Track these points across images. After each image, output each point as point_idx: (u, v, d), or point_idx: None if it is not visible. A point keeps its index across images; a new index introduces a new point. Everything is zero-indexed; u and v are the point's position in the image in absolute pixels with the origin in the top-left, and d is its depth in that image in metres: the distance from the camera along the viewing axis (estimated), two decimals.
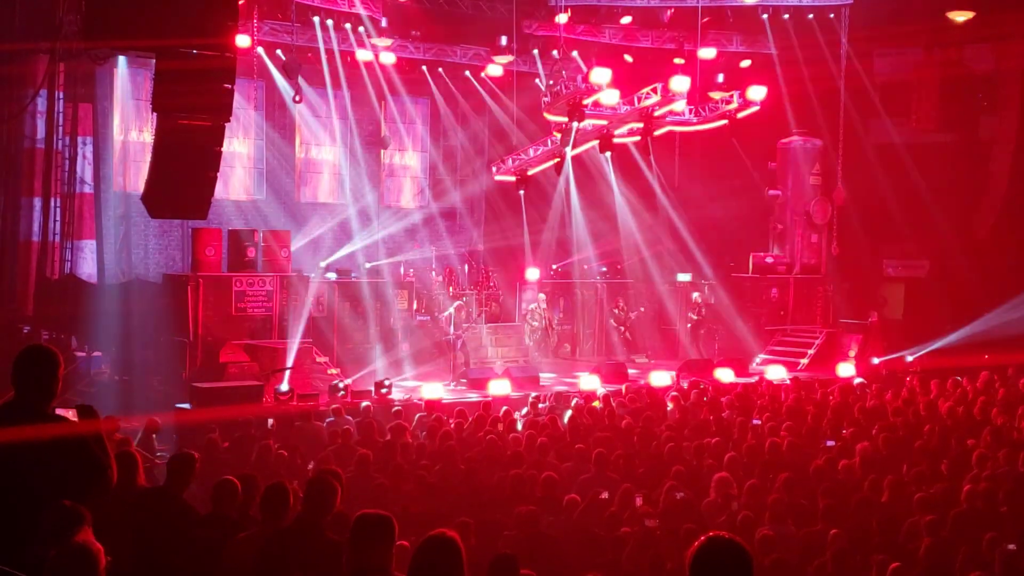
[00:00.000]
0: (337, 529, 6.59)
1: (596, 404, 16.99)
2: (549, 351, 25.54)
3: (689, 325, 26.36)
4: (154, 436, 14.67)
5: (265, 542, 6.49)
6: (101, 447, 5.16)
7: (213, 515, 7.66)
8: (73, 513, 4.75)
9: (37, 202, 22.31)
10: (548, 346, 25.59)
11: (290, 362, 19.30)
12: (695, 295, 26.69)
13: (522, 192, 26.14)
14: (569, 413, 16.39)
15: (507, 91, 27.65)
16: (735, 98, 23.12)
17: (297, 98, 25.04)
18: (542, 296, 25.30)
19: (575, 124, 21.74)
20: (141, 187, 17.00)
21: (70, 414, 5.35)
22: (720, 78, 26.81)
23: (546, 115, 22.89)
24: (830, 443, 13.34)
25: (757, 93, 22.94)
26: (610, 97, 21.59)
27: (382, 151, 29.61)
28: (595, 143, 24.02)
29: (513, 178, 25.99)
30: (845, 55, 26.51)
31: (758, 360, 24.96)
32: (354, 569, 5.35)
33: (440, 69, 28.72)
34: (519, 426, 15.31)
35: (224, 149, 14.54)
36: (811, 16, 26.40)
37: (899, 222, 26.44)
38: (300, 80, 24.58)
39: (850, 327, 26.28)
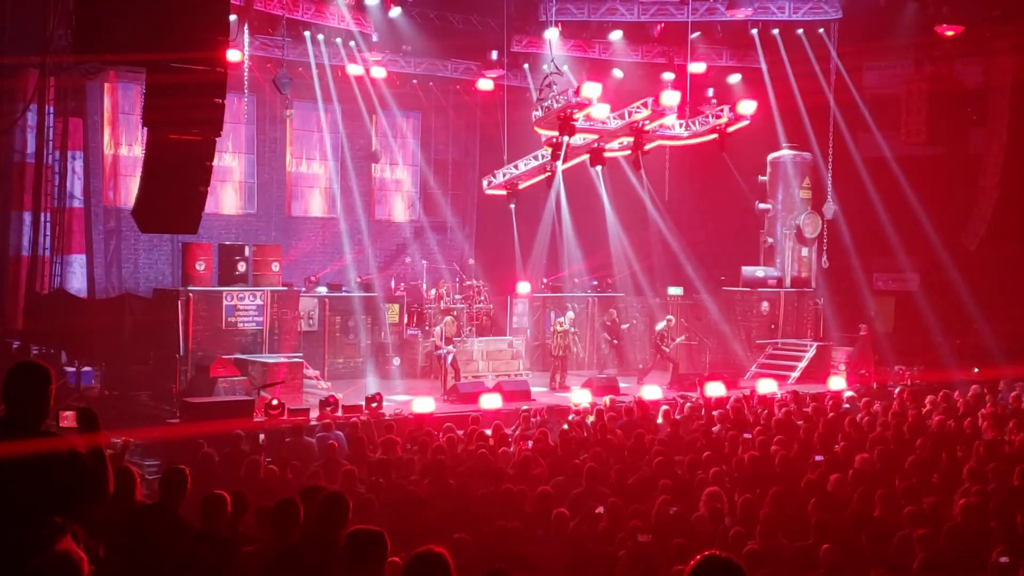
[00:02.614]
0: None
1: (589, 419, 16.97)
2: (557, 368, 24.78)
3: (605, 344, 26.03)
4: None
5: (274, 558, 6.45)
6: (98, 458, 5.11)
7: (204, 530, 7.63)
8: (56, 525, 4.72)
9: (27, 217, 22.28)
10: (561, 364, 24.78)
11: (281, 377, 19.25)
12: (612, 311, 26.54)
13: (513, 206, 26.14)
14: (565, 427, 16.34)
15: (498, 105, 27.70)
16: (725, 112, 23.16)
17: (288, 113, 25.05)
18: (571, 315, 25.00)
19: (566, 138, 21.75)
20: (131, 202, 16.99)
21: (70, 417, 5.29)
22: (710, 92, 26.89)
23: (537, 129, 22.91)
24: (819, 458, 13.31)
25: (747, 107, 22.99)
26: (600, 111, 21.62)
27: (373, 165, 29.67)
28: (585, 157, 24.05)
29: (504, 192, 26.00)
30: (834, 69, 26.61)
31: (749, 374, 24.96)
32: None
33: (431, 83, 28.79)
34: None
35: (215, 164, 14.54)
36: (800, 31, 26.51)
37: (889, 236, 26.49)
38: (290, 95, 24.59)
39: (840, 340, 26.32)
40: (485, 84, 27.85)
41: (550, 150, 23.16)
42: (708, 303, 27.35)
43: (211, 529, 7.59)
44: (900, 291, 28.30)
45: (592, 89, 20.99)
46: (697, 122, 23.76)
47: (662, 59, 27.75)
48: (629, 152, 23.71)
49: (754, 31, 26.62)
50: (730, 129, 23.37)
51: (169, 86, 12.94)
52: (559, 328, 24.31)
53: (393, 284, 26.66)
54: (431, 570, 4.69)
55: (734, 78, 28.01)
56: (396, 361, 24.28)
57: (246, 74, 24.09)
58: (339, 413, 17.76)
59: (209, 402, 17.51)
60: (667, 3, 26.24)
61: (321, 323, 23.70)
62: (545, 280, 28.00)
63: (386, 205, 30.60)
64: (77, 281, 23.38)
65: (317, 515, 6.44)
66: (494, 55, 26.61)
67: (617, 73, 27.84)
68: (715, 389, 21.17)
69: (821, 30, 26.48)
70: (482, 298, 26.17)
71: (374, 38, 25.72)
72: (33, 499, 4.87)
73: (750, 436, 14.77)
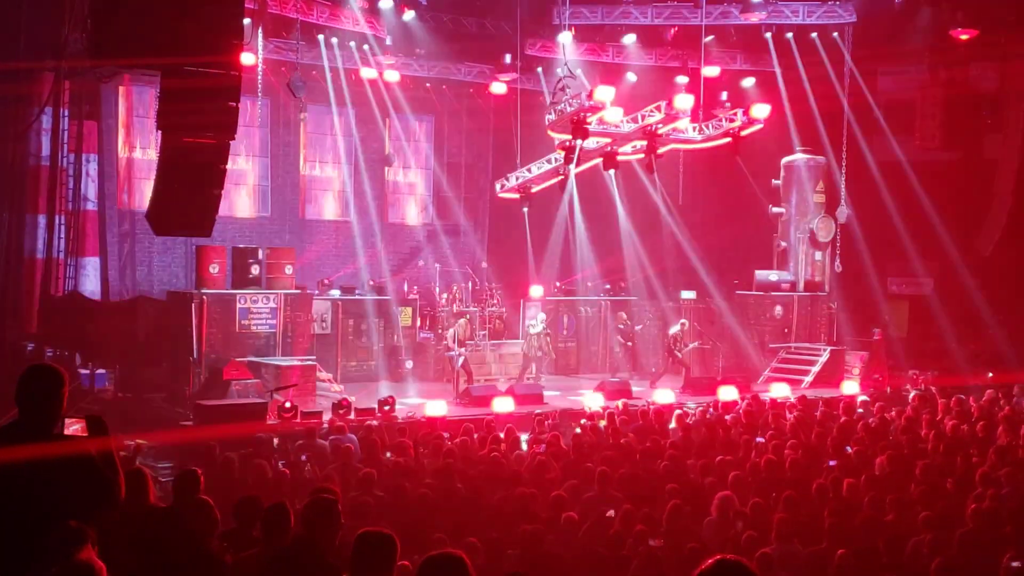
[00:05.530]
0: (337, 553, 6.51)
1: (601, 423, 16.95)
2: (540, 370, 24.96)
3: (619, 347, 26.41)
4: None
5: (263, 564, 6.43)
6: (109, 463, 5.11)
7: (231, 532, 7.65)
8: (75, 532, 4.73)
9: (41, 219, 22.35)
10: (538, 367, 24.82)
11: (294, 380, 19.28)
12: (622, 314, 26.62)
13: (526, 209, 26.15)
14: (578, 431, 16.31)
15: (511, 109, 27.68)
16: (739, 116, 23.15)
17: (302, 116, 25.08)
18: (542, 316, 24.93)
19: (579, 142, 21.74)
20: (145, 204, 17.03)
21: (79, 425, 5.31)
22: (724, 96, 26.87)
23: (550, 133, 22.91)
24: (832, 463, 13.27)
25: (761, 111, 22.97)
26: (614, 115, 21.62)
27: (386, 168, 29.70)
28: (599, 161, 24.05)
29: (517, 195, 26.01)
30: (849, 73, 26.55)
31: (762, 378, 24.89)
32: None
33: (444, 87, 28.80)
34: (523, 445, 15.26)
35: (229, 167, 14.56)
36: (814, 35, 26.46)
37: (903, 240, 26.41)
38: (304, 98, 24.62)
39: (854, 345, 26.23)
40: (498, 88, 27.81)
41: (563, 154, 23.17)
42: (721, 307, 27.29)
43: (222, 532, 7.59)
44: (914, 295, 28.20)
45: (605, 93, 20.99)
46: (711, 126, 23.75)
47: (676, 63, 27.72)
48: (642, 156, 23.70)
49: (768, 35, 26.59)
50: (744, 133, 23.36)
51: (183, 90, 12.96)
52: (531, 331, 24.32)
53: (406, 287, 26.66)
54: (450, 574, 4.55)
55: (748, 82, 27.94)
56: (409, 364, 24.29)
57: (260, 77, 24.14)
58: (351, 416, 17.76)
59: (222, 405, 17.55)
60: (681, 7, 26.23)
61: (334, 326, 23.73)
62: (558, 284, 27.97)
63: (399, 208, 30.62)
64: (91, 284, 23.45)
65: (305, 519, 6.40)
66: (507, 59, 26.59)
67: (631, 77, 27.80)
68: (728, 393, 21.13)
69: (835, 34, 26.44)
70: (495, 301, 26.16)
71: (388, 41, 25.75)
72: (46, 503, 4.88)
73: (763, 440, 14.73)
